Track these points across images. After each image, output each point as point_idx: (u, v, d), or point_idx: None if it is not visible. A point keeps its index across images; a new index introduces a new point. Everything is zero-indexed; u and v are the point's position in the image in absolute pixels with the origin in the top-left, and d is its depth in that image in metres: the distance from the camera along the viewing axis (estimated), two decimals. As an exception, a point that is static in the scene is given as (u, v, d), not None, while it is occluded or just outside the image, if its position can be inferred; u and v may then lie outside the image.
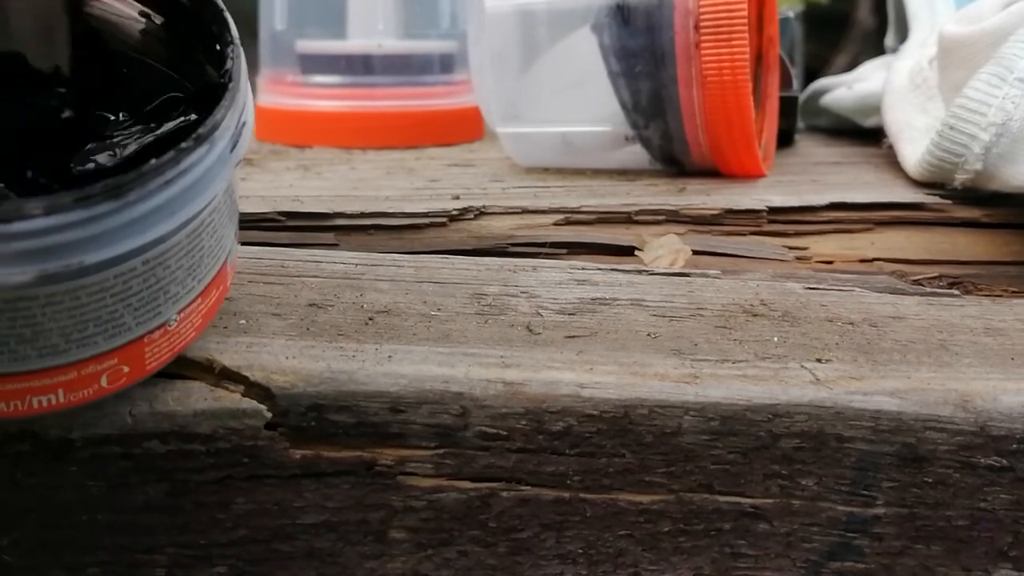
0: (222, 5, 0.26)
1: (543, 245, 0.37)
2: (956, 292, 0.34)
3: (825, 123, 0.61)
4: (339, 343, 0.27)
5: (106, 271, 0.21)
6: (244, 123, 0.24)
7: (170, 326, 0.23)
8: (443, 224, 0.37)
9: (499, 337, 0.28)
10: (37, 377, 0.22)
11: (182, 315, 0.24)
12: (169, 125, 0.25)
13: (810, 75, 0.68)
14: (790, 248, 0.37)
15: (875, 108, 0.52)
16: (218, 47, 0.25)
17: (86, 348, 0.22)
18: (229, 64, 0.24)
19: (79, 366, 0.22)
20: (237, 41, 0.25)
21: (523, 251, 0.36)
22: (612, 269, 0.34)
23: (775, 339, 0.29)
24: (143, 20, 0.28)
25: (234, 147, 0.23)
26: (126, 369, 0.23)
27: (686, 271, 0.34)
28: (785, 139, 0.54)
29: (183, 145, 0.22)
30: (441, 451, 0.26)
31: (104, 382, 0.23)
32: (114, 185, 0.20)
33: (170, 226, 0.22)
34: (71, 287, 0.21)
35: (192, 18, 0.27)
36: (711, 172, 0.45)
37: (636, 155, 0.45)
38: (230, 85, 0.24)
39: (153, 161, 0.21)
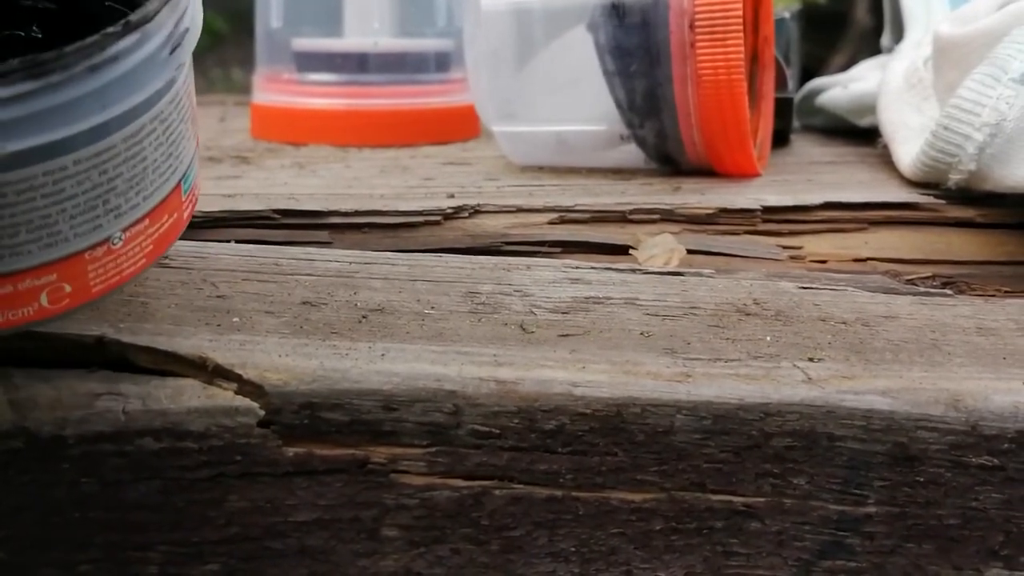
0: None
1: (537, 244, 0.37)
2: (949, 292, 0.34)
3: (820, 123, 0.61)
4: (332, 341, 0.27)
5: (33, 166, 0.20)
6: (186, 29, 0.23)
7: (114, 244, 0.23)
8: (437, 222, 0.37)
9: (492, 336, 0.28)
10: None
11: (128, 235, 0.23)
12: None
13: (807, 74, 0.68)
14: (784, 247, 0.37)
15: (870, 108, 0.52)
16: None
17: (19, 258, 0.21)
18: None
19: (14, 279, 0.21)
20: None
21: (517, 250, 0.36)
22: (606, 268, 0.34)
23: (768, 338, 0.29)
24: None
25: (174, 50, 0.23)
26: (68, 288, 0.22)
27: (680, 270, 0.34)
28: (780, 139, 0.54)
29: (109, 30, 0.21)
30: (434, 449, 0.26)
31: (45, 301, 0.22)
32: (33, 62, 0.20)
33: (101, 119, 0.21)
34: None
35: None
36: (706, 171, 0.45)
37: (631, 154, 0.45)
38: None
39: (77, 44, 0.20)
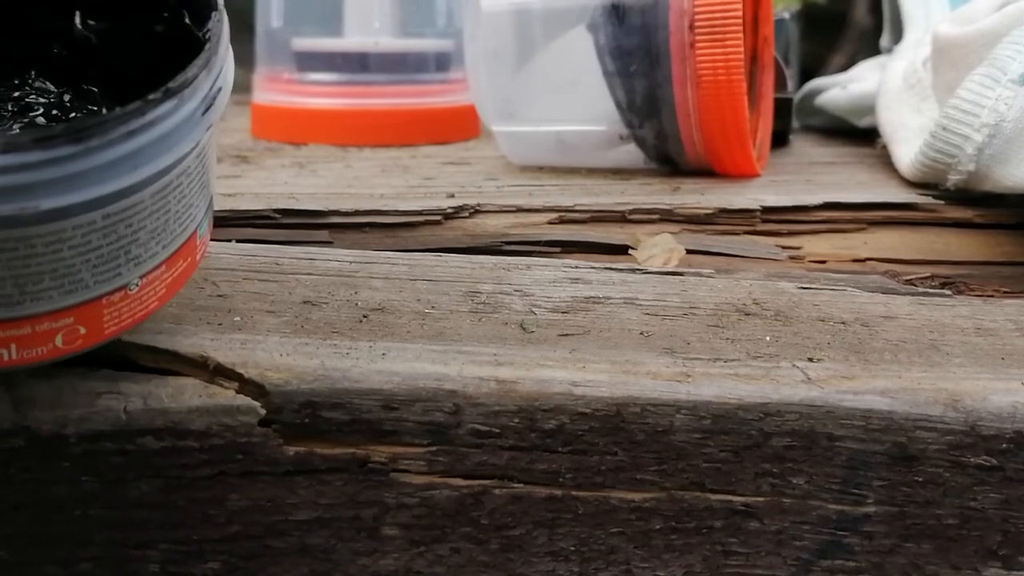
0: None
1: (537, 243, 0.37)
2: (948, 292, 0.34)
3: (820, 123, 0.61)
4: (333, 340, 0.27)
5: (64, 220, 0.21)
6: (219, 88, 0.24)
7: (131, 290, 0.23)
8: (437, 222, 0.37)
9: (492, 335, 0.28)
10: None
11: (144, 280, 0.23)
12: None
13: (807, 74, 0.68)
14: (783, 247, 0.37)
15: (869, 108, 0.52)
16: (203, 11, 0.25)
17: (41, 302, 0.21)
18: (209, 26, 0.24)
19: (33, 321, 0.22)
20: (221, 7, 0.25)
21: (517, 249, 0.36)
22: (606, 268, 0.34)
23: (767, 338, 0.29)
24: None
25: (207, 110, 0.23)
26: (82, 330, 0.22)
27: (679, 270, 0.34)
28: (780, 139, 0.54)
29: (150, 97, 0.21)
30: (434, 448, 0.26)
31: (59, 342, 0.22)
32: (75, 128, 0.20)
33: (133, 179, 0.21)
34: (26, 234, 0.20)
35: None
36: (705, 171, 0.45)
37: (631, 154, 0.46)
38: (207, 46, 0.24)
39: (118, 109, 0.21)
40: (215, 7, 0.25)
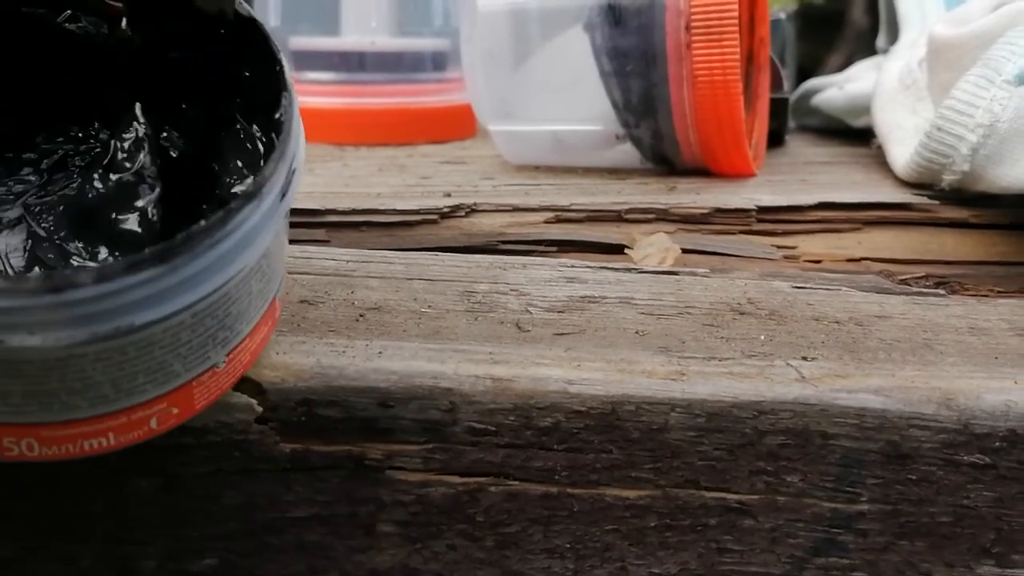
0: (277, 49, 0.25)
1: (533, 243, 0.37)
2: (942, 292, 0.34)
3: (816, 123, 0.61)
4: (329, 339, 0.27)
5: (154, 327, 0.21)
6: (295, 170, 0.24)
7: (219, 367, 0.23)
8: (434, 221, 0.38)
9: (488, 334, 0.28)
10: (88, 423, 0.22)
11: (231, 356, 0.24)
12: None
13: (804, 74, 0.68)
14: (778, 247, 0.37)
15: (865, 109, 0.52)
16: (274, 90, 0.25)
17: (135, 396, 0.22)
18: (280, 113, 0.24)
19: (128, 412, 0.22)
20: (291, 87, 0.24)
21: (513, 249, 0.37)
22: (601, 267, 0.34)
23: (762, 337, 0.29)
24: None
25: (284, 195, 0.23)
26: (175, 411, 0.23)
27: (675, 269, 0.34)
28: (775, 139, 0.54)
29: (232, 205, 0.21)
30: (430, 446, 0.26)
31: (154, 424, 0.23)
32: (162, 251, 0.20)
33: (218, 282, 0.22)
34: (120, 344, 0.21)
35: (250, 53, 0.26)
36: (701, 171, 0.45)
37: (627, 154, 0.46)
38: (279, 138, 0.23)
39: (202, 223, 0.21)
40: (285, 87, 0.24)
